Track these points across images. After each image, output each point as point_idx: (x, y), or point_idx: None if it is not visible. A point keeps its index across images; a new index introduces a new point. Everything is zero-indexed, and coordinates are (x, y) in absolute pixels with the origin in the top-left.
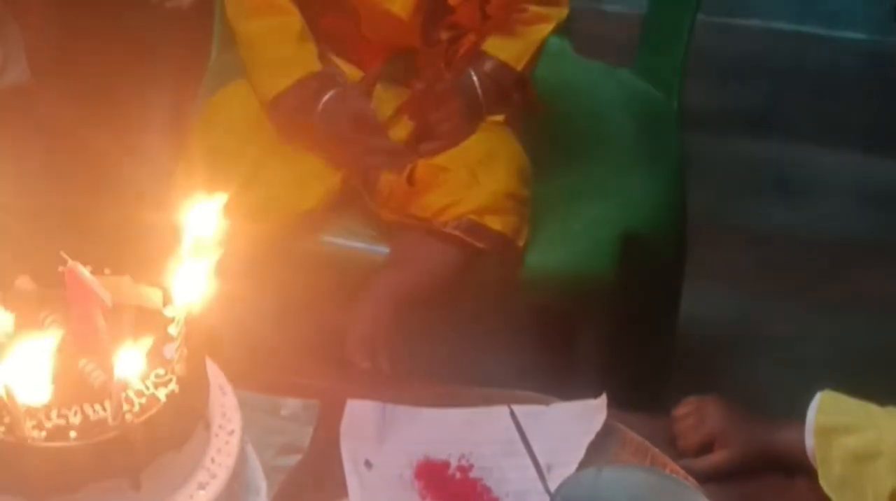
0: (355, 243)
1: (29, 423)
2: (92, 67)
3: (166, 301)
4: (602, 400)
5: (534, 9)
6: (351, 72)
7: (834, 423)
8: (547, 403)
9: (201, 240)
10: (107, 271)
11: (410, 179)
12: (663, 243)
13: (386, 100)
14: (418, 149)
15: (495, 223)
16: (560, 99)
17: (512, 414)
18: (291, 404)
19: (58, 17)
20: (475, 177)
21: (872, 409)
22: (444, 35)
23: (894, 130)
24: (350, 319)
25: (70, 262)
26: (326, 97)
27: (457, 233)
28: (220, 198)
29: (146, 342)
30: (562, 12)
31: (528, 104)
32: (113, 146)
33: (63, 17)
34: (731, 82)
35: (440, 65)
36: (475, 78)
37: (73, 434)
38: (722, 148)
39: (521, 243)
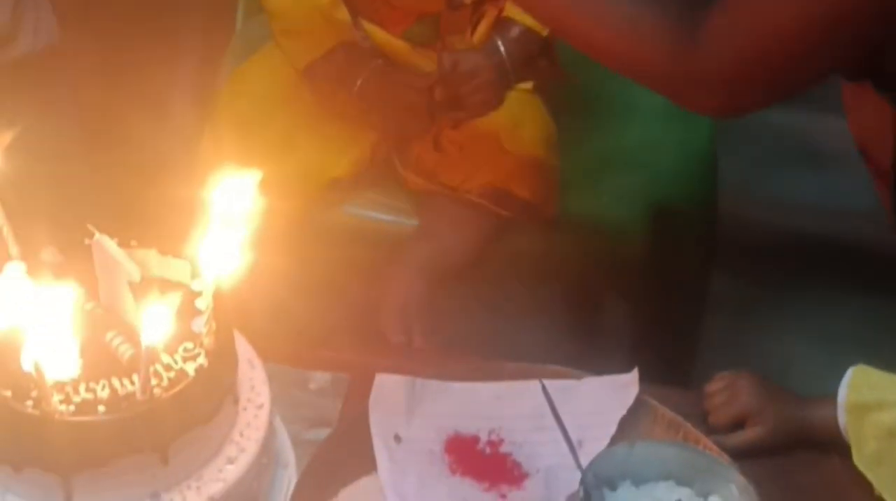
0: (384, 215)
1: (57, 397)
2: (118, 31)
3: (194, 274)
4: (634, 375)
5: None
6: (376, 33)
7: (866, 399)
8: (578, 377)
9: (230, 213)
10: (133, 243)
11: (437, 145)
12: (694, 215)
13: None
14: (447, 119)
15: (522, 190)
16: (588, 66)
17: (543, 388)
18: (320, 377)
19: None
20: (501, 144)
21: None
22: None
23: None
24: (382, 293)
25: (97, 235)
26: (362, 78)
27: (482, 201)
28: (252, 171)
29: (172, 306)
30: None
31: (553, 71)
32: (139, 113)
33: None
34: None
35: (464, 29)
36: (501, 45)
37: (101, 408)
38: (753, 118)
39: (549, 210)
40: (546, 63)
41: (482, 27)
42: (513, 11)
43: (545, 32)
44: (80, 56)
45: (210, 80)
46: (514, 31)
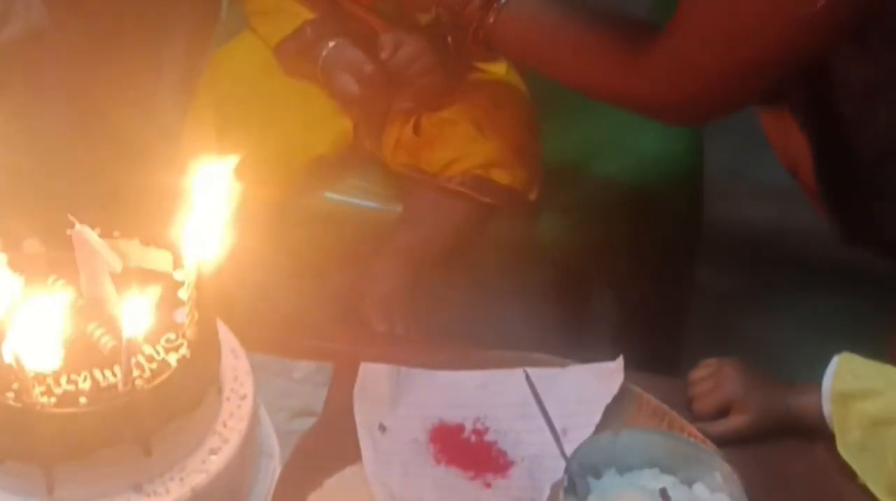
0: (367, 201)
1: (38, 389)
2: (105, 17)
3: (176, 264)
4: (619, 363)
5: None
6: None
7: (851, 388)
8: (563, 365)
9: (211, 199)
10: (116, 234)
11: (416, 129)
12: (680, 200)
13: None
14: (399, 109)
15: (503, 177)
16: None
17: (527, 377)
18: (304, 367)
19: None
20: (481, 130)
21: (890, 371)
22: None
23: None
24: (365, 281)
25: (78, 226)
26: (326, 50)
27: (463, 188)
28: (231, 156)
29: (153, 297)
30: None
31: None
32: (125, 101)
33: None
34: None
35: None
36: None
37: (83, 399)
38: None
39: (532, 196)
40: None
41: None
42: None
43: None
44: (68, 41)
45: (196, 66)
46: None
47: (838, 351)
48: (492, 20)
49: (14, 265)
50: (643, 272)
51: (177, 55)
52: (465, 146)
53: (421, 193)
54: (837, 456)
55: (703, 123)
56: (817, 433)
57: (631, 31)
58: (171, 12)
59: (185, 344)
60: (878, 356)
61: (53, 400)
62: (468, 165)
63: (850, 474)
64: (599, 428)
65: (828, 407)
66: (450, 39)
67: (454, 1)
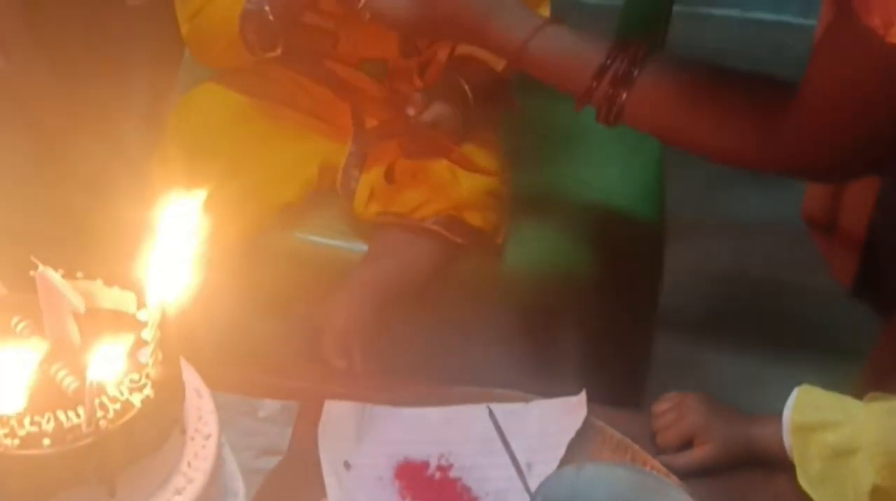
0: (333, 240)
1: (1, 431)
2: (66, 56)
3: (140, 304)
4: (582, 397)
5: None
6: (322, 93)
7: (811, 420)
8: (526, 400)
9: (177, 239)
10: (79, 274)
11: (389, 177)
12: (643, 235)
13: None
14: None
15: (475, 219)
16: (537, 92)
17: (490, 413)
18: (269, 405)
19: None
20: (454, 173)
21: (849, 403)
22: (422, 44)
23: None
24: (325, 316)
25: (41, 267)
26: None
27: (436, 227)
28: (198, 195)
29: (124, 341)
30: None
31: (508, 103)
32: (88, 138)
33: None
34: None
35: (412, 72)
36: (466, 86)
37: (46, 441)
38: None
39: (499, 239)
40: (503, 96)
41: (432, 69)
42: (466, 48)
43: (500, 67)
44: (28, 77)
45: (161, 106)
46: (474, 69)
47: (802, 382)
48: (625, 96)
49: None
50: (606, 306)
51: (140, 90)
52: (438, 188)
53: (387, 232)
54: (799, 488)
55: (851, 180)
56: (779, 464)
57: (766, 92)
58: (133, 48)
59: (149, 384)
60: (842, 386)
61: (17, 441)
62: (441, 206)
63: None
64: (563, 463)
65: (788, 439)
66: (467, 89)
67: (580, 85)
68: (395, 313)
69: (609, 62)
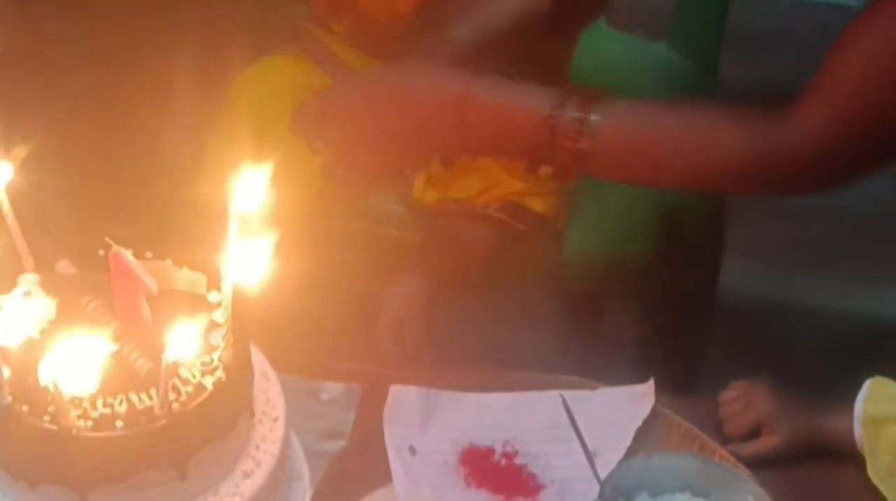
0: (391, 227)
1: (74, 413)
2: (112, 25)
3: (210, 285)
4: (650, 386)
5: None
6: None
7: (882, 413)
8: (593, 388)
9: (248, 219)
10: (148, 255)
11: (446, 162)
12: (701, 220)
13: None
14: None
15: (537, 205)
16: (594, 75)
17: (563, 401)
18: (332, 388)
19: None
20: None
21: None
22: None
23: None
24: (383, 301)
25: (114, 247)
26: None
27: (499, 214)
28: (265, 169)
29: (196, 323)
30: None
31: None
32: (140, 112)
33: None
34: (760, 55)
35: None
36: None
37: (119, 423)
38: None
39: (560, 224)
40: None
41: None
42: None
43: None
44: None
45: (216, 78)
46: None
47: (859, 366)
48: (585, 146)
49: (47, 286)
50: (666, 291)
51: (189, 65)
52: (499, 174)
53: (447, 218)
54: (867, 481)
55: (849, 181)
56: (849, 456)
57: (738, 110)
58: (184, 23)
59: (221, 366)
60: None
61: (90, 423)
62: (503, 192)
63: (880, 499)
64: (630, 451)
65: (858, 431)
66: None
67: (536, 145)
68: (455, 298)
69: (557, 112)
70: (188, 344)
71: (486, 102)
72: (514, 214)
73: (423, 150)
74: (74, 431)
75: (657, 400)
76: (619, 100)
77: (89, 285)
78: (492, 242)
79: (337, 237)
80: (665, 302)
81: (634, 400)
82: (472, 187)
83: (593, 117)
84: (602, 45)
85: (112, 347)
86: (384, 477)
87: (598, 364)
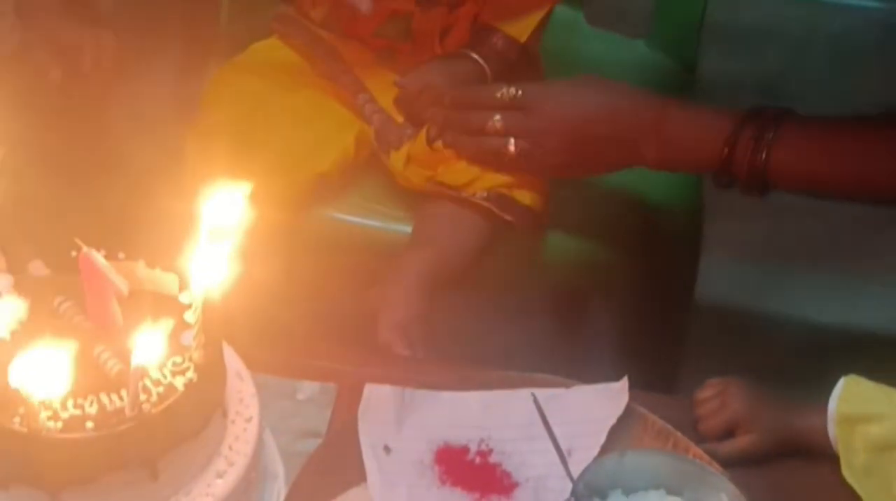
0: (373, 221)
1: (44, 414)
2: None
3: (182, 286)
4: (624, 383)
5: None
6: (350, 48)
7: (856, 411)
8: (567, 386)
9: (219, 222)
10: (121, 256)
11: (429, 138)
12: (679, 219)
13: (384, 75)
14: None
15: (524, 197)
16: (573, 72)
17: (535, 400)
18: (308, 387)
19: None
20: None
21: None
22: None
23: None
24: (381, 305)
25: (84, 248)
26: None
27: (487, 204)
28: (241, 181)
29: (166, 325)
30: None
31: (534, 74)
32: (119, 120)
33: None
34: (743, 51)
35: (434, 33)
36: (478, 57)
37: (89, 424)
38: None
39: (545, 220)
40: (531, 70)
41: (455, 32)
42: (490, 17)
43: (523, 38)
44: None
45: (193, 83)
46: (494, 39)
47: (838, 363)
48: (764, 157)
49: (20, 288)
50: (644, 288)
51: (170, 74)
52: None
53: (433, 209)
54: (843, 479)
55: None
56: (823, 454)
57: None
58: (162, 28)
59: (192, 367)
60: (884, 378)
61: (60, 424)
62: (492, 183)
63: (855, 498)
64: (604, 449)
65: (833, 430)
66: (479, 60)
67: (720, 159)
68: (442, 297)
69: (739, 128)
70: (157, 345)
71: (681, 120)
72: (502, 205)
73: (619, 160)
74: (44, 432)
75: (631, 398)
76: (798, 118)
77: (61, 286)
78: (478, 235)
79: (314, 233)
80: (643, 300)
81: (608, 398)
82: (462, 176)
83: (769, 135)
84: (581, 42)
85: (81, 347)
86: (359, 476)
87: (576, 362)
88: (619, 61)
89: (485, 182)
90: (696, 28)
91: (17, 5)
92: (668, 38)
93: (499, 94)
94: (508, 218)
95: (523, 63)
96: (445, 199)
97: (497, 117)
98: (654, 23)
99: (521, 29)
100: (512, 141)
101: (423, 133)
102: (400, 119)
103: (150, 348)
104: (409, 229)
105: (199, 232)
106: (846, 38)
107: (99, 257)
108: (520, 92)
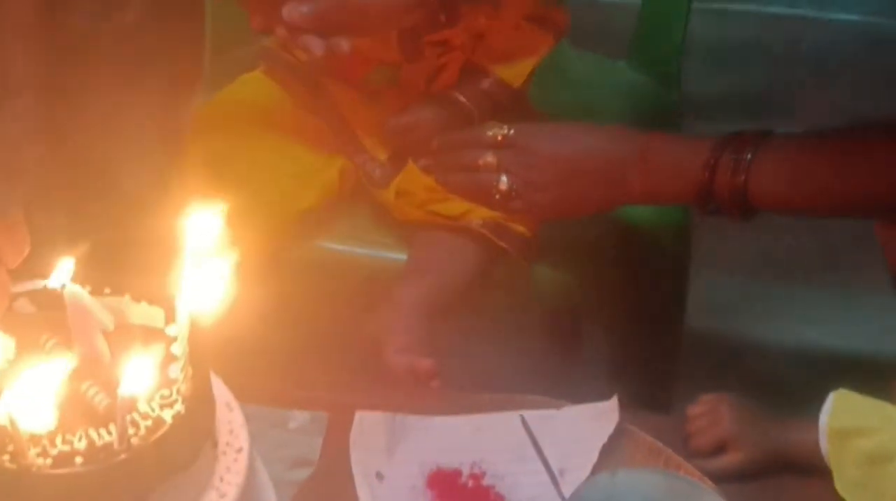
0: (359, 249)
1: (33, 451)
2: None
3: (168, 319)
4: (614, 402)
5: (532, 26)
6: (336, 87)
7: (847, 425)
8: (557, 406)
9: (203, 253)
10: (107, 291)
11: (427, 169)
12: (669, 237)
13: (369, 115)
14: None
15: (518, 226)
16: (556, 94)
17: (523, 421)
18: (299, 416)
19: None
20: None
21: (887, 409)
22: (430, 52)
23: (890, 112)
24: (382, 333)
25: (68, 285)
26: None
27: (484, 230)
28: (220, 207)
29: (154, 355)
30: (560, 26)
31: (525, 116)
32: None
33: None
34: (726, 68)
35: (422, 80)
36: (465, 100)
37: (79, 459)
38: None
39: (536, 247)
40: (522, 109)
41: (443, 76)
42: (485, 61)
43: (517, 84)
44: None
45: (180, 114)
46: (485, 83)
47: (831, 378)
48: (744, 179)
49: (6, 325)
50: (634, 308)
51: (157, 103)
52: None
53: (428, 237)
54: (835, 494)
55: None
56: (815, 470)
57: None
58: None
59: (180, 399)
60: (876, 391)
61: (49, 461)
62: (487, 214)
63: None
64: (596, 469)
65: (824, 445)
66: (465, 101)
67: (701, 184)
68: (438, 323)
69: (718, 153)
70: (143, 378)
71: (663, 149)
72: (498, 232)
73: (608, 196)
74: (34, 469)
75: (622, 417)
76: (777, 138)
77: (48, 323)
78: (474, 263)
79: (302, 262)
80: (633, 321)
81: (599, 418)
82: (457, 207)
83: (747, 157)
84: (564, 63)
85: (68, 383)
86: None
87: (567, 383)
88: (603, 82)
89: (479, 213)
90: (679, 47)
91: None
92: (650, 57)
93: (490, 133)
94: (504, 245)
95: (512, 102)
96: (440, 228)
97: (489, 154)
98: (636, 43)
99: (516, 74)
100: (504, 178)
101: (411, 166)
102: (384, 157)
103: (137, 381)
104: (400, 256)
105: (184, 262)
106: (829, 53)
107: (84, 293)
108: (511, 131)
